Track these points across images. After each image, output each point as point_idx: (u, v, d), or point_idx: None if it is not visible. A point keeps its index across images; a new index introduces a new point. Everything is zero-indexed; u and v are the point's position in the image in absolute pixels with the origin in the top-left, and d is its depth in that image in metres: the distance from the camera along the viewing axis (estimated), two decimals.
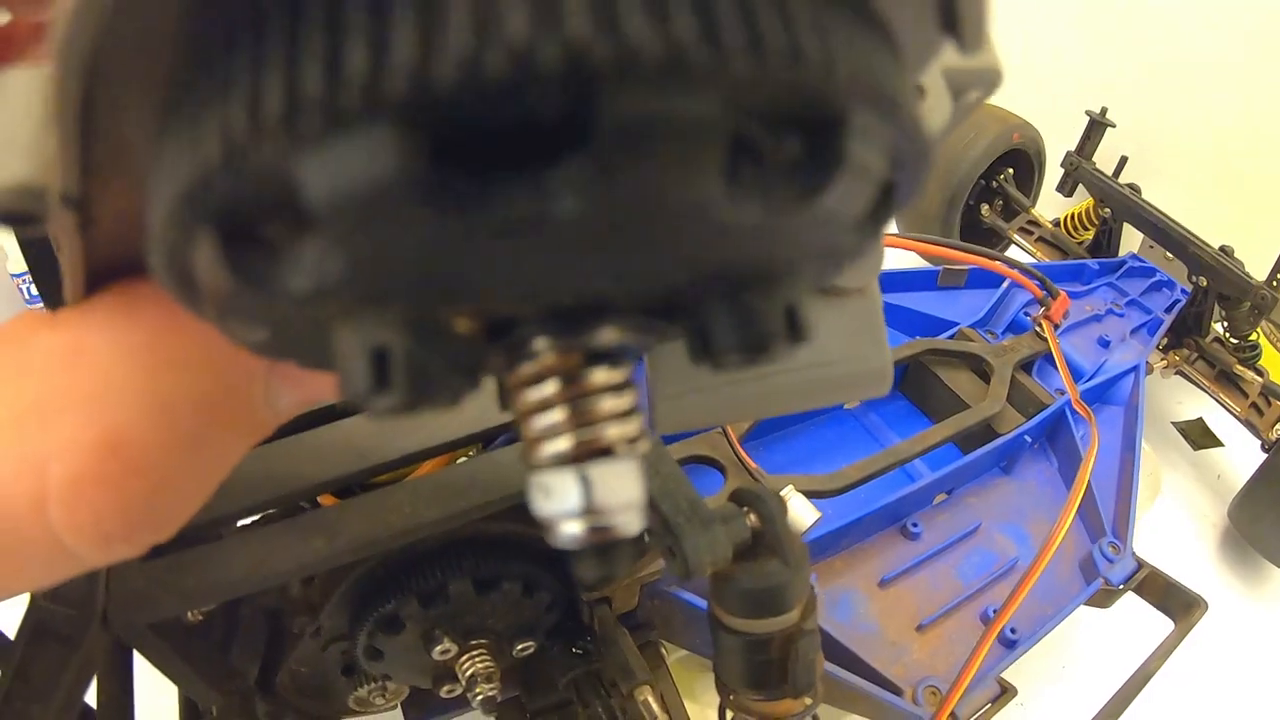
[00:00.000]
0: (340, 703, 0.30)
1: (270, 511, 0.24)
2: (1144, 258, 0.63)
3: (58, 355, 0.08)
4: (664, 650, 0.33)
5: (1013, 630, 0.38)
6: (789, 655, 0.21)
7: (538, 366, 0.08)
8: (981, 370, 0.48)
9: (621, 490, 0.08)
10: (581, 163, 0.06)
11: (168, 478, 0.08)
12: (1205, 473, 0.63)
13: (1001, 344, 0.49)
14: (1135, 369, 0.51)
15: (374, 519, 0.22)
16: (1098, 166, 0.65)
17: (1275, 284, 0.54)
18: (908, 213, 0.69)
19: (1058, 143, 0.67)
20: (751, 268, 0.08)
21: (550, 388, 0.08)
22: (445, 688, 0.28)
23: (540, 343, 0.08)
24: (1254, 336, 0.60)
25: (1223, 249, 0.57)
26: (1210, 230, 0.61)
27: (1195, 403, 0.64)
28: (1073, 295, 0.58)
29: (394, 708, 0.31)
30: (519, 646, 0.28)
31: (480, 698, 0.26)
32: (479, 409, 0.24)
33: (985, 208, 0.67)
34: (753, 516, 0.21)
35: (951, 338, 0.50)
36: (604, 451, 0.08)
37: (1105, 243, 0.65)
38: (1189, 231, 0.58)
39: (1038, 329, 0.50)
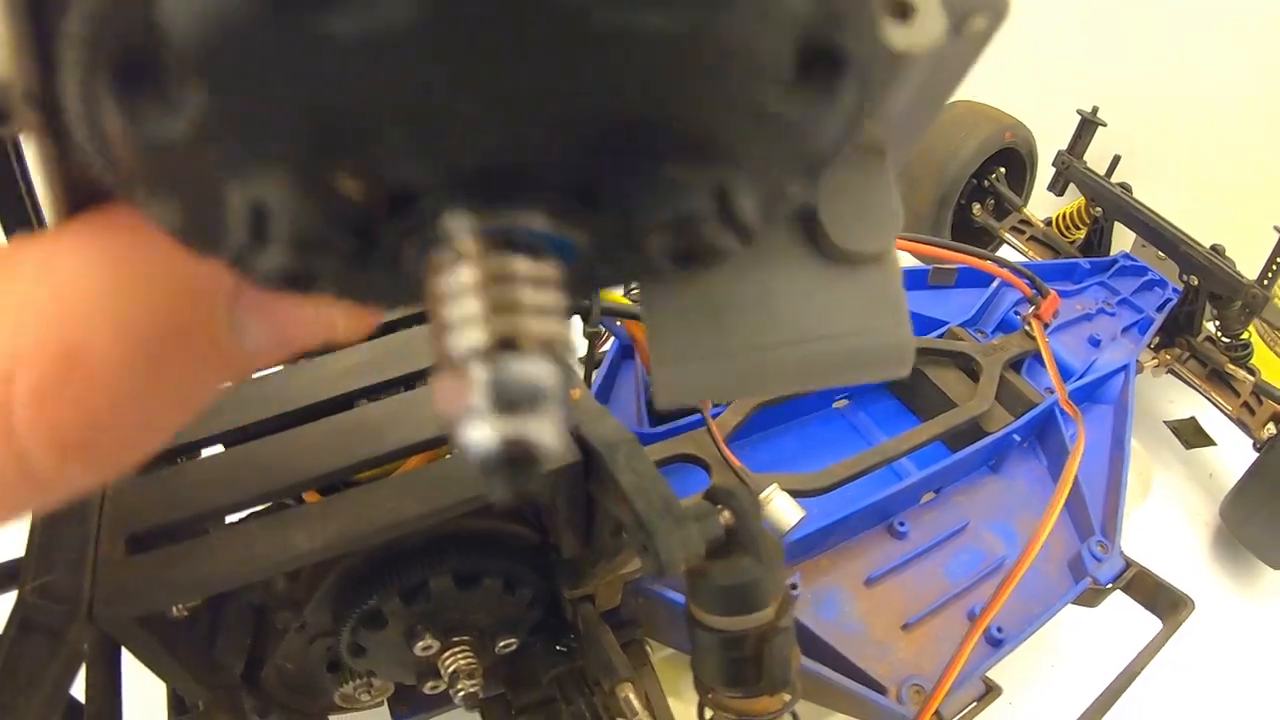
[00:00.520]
0: (326, 699, 0.30)
1: (256, 508, 0.24)
2: (1136, 256, 0.63)
3: (29, 269, 0.08)
4: (649, 648, 0.33)
5: (999, 629, 0.39)
6: (764, 652, 0.22)
7: (450, 251, 0.07)
8: (970, 369, 0.48)
9: (535, 393, 0.07)
10: None
11: (128, 396, 0.08)
12: (1197, 471, 0.63)
13: (991, 343, 0.50)
14: (1125, 368, 0.52)
15: (355, 515, 0.22)
16: (1089, 166, 0.65)
17: (1266, 283, 0.55)
18: None
19: (1050, 142, 0.68)
20: (657, 120, 0.07)
21: (463, 275, 0.07)
22: (429, 684, 0.28)
23: (450, 222, 0.07)
24: (1246, 335, 0.60)
25: (1214, 248, 0.57)
26: (1202, 229, 0.62)
27: (1188, 402, 0.64)
28: (1064, 294, 0.58)
29: (380, 704, 0.32)
30: (501, 643, 0.28)
31: (462, 694, 0.27)
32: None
33: (977, 207, 0.68)
34: (726, 514, 0.21)
35: (941, 336, 0.50)
36: (517, 346, 0.07)
37: (1097, 242, 0.65)
38: (1180, 231, 0.58)
39: (1027, 328, 0.50)
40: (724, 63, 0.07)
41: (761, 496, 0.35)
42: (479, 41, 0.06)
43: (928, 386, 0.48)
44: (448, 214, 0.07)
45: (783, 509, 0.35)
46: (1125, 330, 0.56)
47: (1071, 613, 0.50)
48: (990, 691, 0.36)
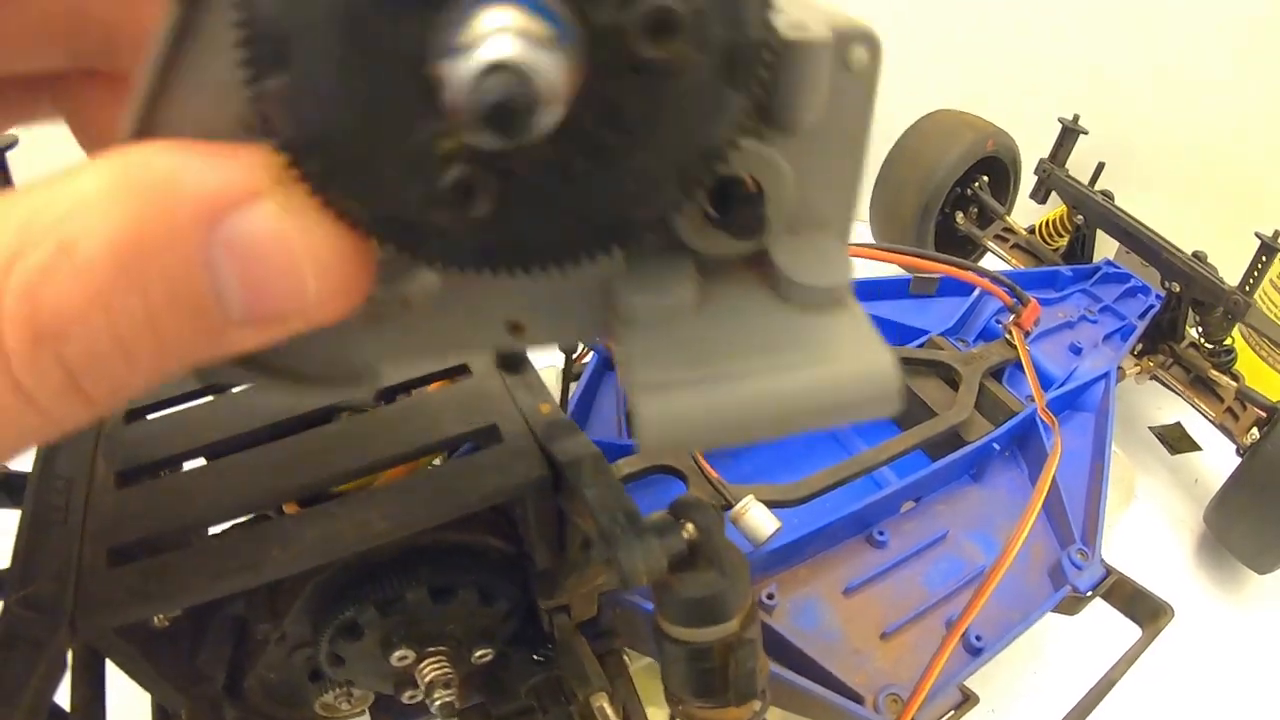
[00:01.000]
0: (309, 708, 0.31)
1: (237, 520, 0.25)
2: (1119, 264, 0.64)
3: (49, 181, 0.10)
4: (627, 658, 0.34)
5: (978, 637, 0.39)
6: (729, 663, 0.23)
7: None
8: (950, 378, 0.49)
9: (534, 36, 0.08)
10: None
11: (108, 298, 0.09)
12: (1183, 477, 0.63)
13: (971, 352, 0.50)
14: (1106, 376, 0.52)
15: (332, 529, 0.23)
16: (1071, 173, 0.66)
17: (1248, 289, 0.56)
18: (882, 219, 0.71)
19: (1033, 150, 0.69)
20: None
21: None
22: (407, 693, 0.29)
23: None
24: (1229, 341, 0.61)
25: (1195, 254, 0.58)
26: (1187, 235, 0.63)
27: (1174, 408, 0.65)
28: (1046, 302, 0.59)
29: (361, 714, 0.32)
30: (478, 653, 0.29)
31: (439, 703, 0.27)
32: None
33: (960, 215, 0.68)
34: (690, 527, 0.22)
35: (921, 346, 0.51)
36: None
37: (1079, 249, 0.66)
38: (1161, 237, 0.59)
39: (1008, 336, 0.51)
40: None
41: (737, 508, 0.36)
42: None
43: (908, 396, 0.48)
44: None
45: (759, 520, 0.36)
46: (1107, 338, 0.57)
47: (1053, 620, 0.50)
48: (967, 700, 0.36)
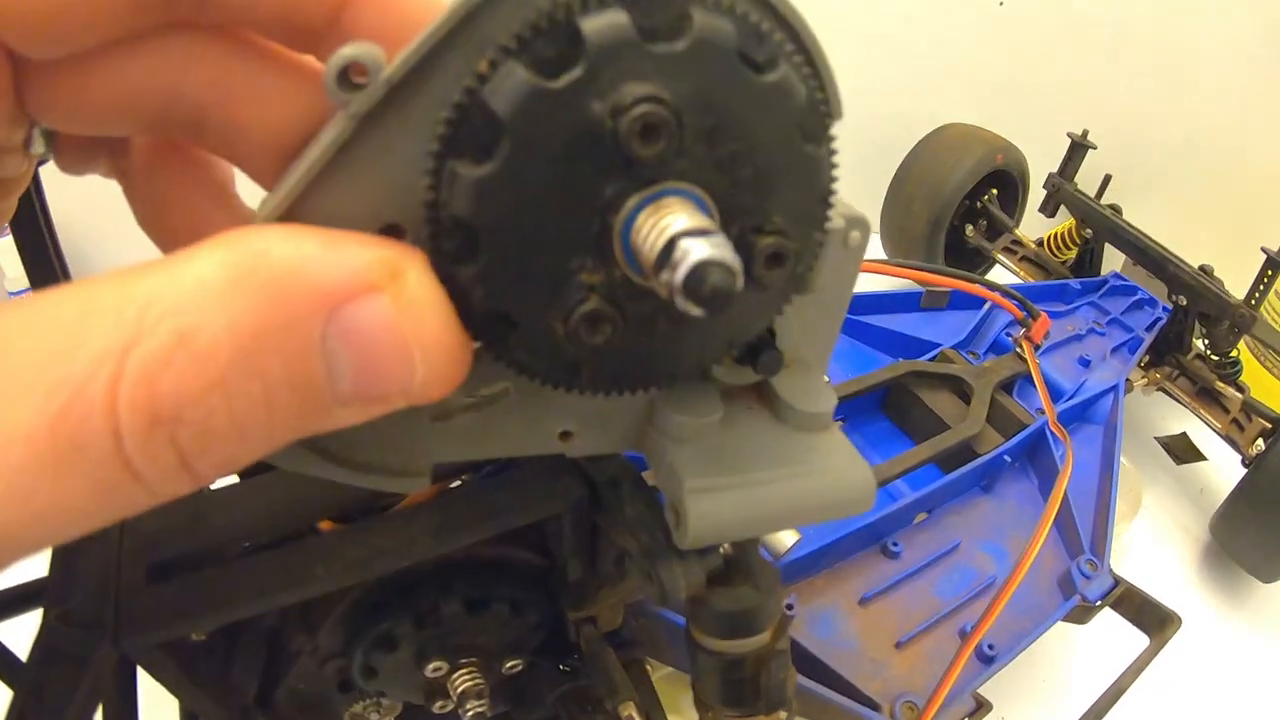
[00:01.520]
0: (336, 719, 0.32)
1: (272, 537, 0.26)
2: (1126, 276, 0.65)
3: (164, 266, 0.10)
4: (649, 667, 0.35)
5: (990, 646, 0.40)
6: (761, 674, 0.23)
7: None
8: (962, 391, 0.50)
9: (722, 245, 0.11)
10: None
11: (223, 385, 0.10)
12: (1189, 487, 0.65)
13: (982, 365, 0.52)
14: (1114, 388, 0.54)
15: (370, 546, 0.24)
16: (1079, 187, 0.68)
17: (1253, 302, 0.57)
18: (894, 232, 0.72)
19: (1043, 164, 0.70)
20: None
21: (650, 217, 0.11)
22: (438, 704, 0.30)
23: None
24: (1235, 353, 0.62)
25: (1202, 268, 0.59)
26: (1195, 249, 0.64)
27: (1180, 418, 0.66)
28: (1055, 315, 0.61)
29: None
30: (508, 664, 0.30)
31: (471, 714, 0.28)
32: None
33: (970, 228, 0.70)
34: (726, 545, 0.23)
35: (934, 359, 0.52)
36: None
37: (1088, 262, 0.67)
38: (1168, 251, 0.60)
39: (1018, 350, 0.52)
40: None
41: None
42: None
43: (920, 409, 0.50)
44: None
45: (779, 533, 0.37)
46: (1115, 350, 0.59)
47: (1064, 629, 0.51)
48: (981, 708, 0.37)
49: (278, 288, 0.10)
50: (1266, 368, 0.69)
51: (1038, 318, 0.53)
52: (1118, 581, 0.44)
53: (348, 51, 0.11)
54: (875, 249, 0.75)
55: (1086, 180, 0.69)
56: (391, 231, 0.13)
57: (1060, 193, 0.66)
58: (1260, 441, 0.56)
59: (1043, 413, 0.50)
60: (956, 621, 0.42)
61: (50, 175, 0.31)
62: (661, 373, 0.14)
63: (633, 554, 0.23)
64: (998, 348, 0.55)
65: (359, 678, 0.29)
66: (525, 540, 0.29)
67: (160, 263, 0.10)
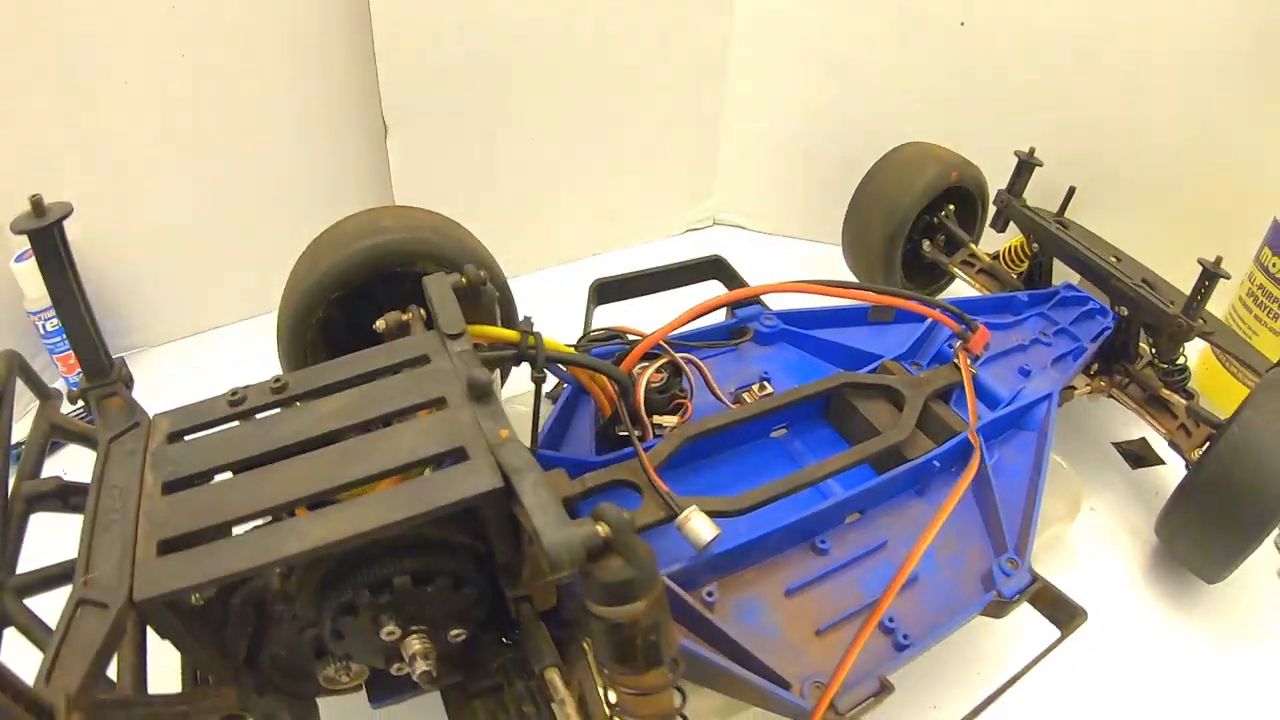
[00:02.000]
0: (314, 682, 0.39)
1: (259, 521, 0.33)
2: (1080, 288, 0.70)
3: None
4: (586, 646, 0.41)
5: (905, 636, 0.45)
6: (636, 636, 0.30)
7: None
8: (897, 401, 0.55)
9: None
10: None
11: None
12: (1143, 491, 0.69)
13: (918, 376, 0.57)
14: (1048, 397, 0.58)
15: (331, 525, 0.31)
16: (1042, 202, 0.72)
17: (1191, 313, 0.61)
18: (854, 248, 0.77)
19: (1003, 182, 0.75)
20: None
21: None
22: (395, 666, 0.37)
23: None
24: (1182, 360, 0.66)
25: (1144, 280, 0.64)
26: (1160, 258, 0.68)
27: (1141, 424, 0.70)
28: (1002, 326, 0.65)
29: (358, 687, 0.40)
30: (453, 632, 0.37)
31: (420, 671, 0.35)
32: (422, 443, 0.33)
33: (927, 243, 0.75)
34: (603, 526, 0.29)
35: (874, 370, 0.58)
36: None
37: (1038, 275, 0.72)
38: (1110, 264, 0.65)
39: (956, 361, 0.58)
40: None
41: (680, 516, 0.43)
42: None
43: (856, 417, 0.55)
44: None
45: (699, 527, 0.43)
46: (1057, 360, 0.63)
47: (1001, 628, 0.56)
48: (884, 689, 0.43)
49: None
50: (1232, 373, 0.72)
51: (976, 330, 0.58)
52: (1035, 578, 0.49)
53: None
54: (838, 264, 0.81)
55: (1052, 194, 0.73)
56: None
57: (1008, 208, 0.71)
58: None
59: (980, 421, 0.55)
60: (879, 614, 0.47)
61: (57, 199, 0.38)
62: None
63: (530, 534, 0.29)
64: (941, 359, 0.60)
65: (329, 641, 0.36)
66: (464, 528, 0.36)
67: None
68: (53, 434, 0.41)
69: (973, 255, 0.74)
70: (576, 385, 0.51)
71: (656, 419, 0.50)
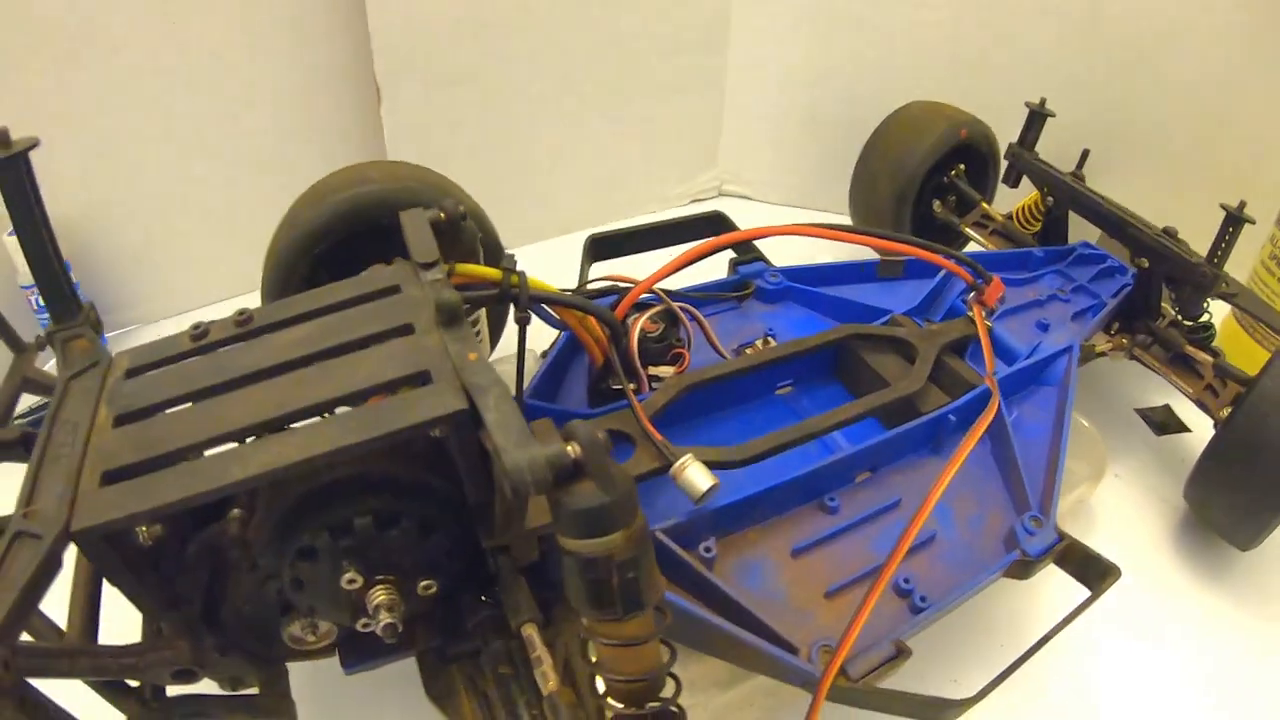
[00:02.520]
0: (282, 645, 0.35)
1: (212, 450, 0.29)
2: (1097, 246, 0.65)
3: None
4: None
5: (922, 598, 0.41)
6: (614, 574, 0.25)
7: None
8: (908, 354, 0.51)
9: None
10: None
11: None
12: (1168, 459, 0.63)
13: (929, 328, 0.52)
14: (1068, 349, 0.53)
15: (279, 450, 0.27)
16: (1051, 162, 0.68)
17: (1216, 261, 0.56)
18: (861, 209, 0.73)
19: (1014, 139, 0.70)
20: None
21: None
22: (361, 622, 0.33)
23: None
24: (1206, 318, 0.61)
25: (1166, 230, 0.59)
26: (1169, 217, 0.63)
27: (1164, 390, 0.65)
28: (1018, 282, 0.61)
29: (327, 646, 0.36)
30: (422, 584, 0.33)
31: (384, 623, 0.31)
32: (383, 368, 0.30)
33: (937, 203, 0.70)
34: (574, 445, 0.25)
35: (884, 324, 0.53)
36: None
37: (1054, 232, 0.67)
38: (1129, 214, 0.60)
39: (970, 313, 0.53)
40: None
41: (676, 465, 0.39)
42: None
43: (866, 370, 0.51)
44: None
45: (695, 476, 0.38)
46: (1076, 315, 0.58)
47: (1027, 599, 0.51)
48: (900, 654, 0.38)
49: None
50: (1255, 339, 0.67)
51: (990, 281, 0.53)
52: (1062, 537, 0.44)
53: None
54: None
55: (1063, 157, 0.68)
56: None
57: (1020, 162, 0.66)
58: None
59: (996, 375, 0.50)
60: (893, 575, 0.42)
61: (47, 174, 0.35)
62: None
63: (492, 454, 0.25)
64: (953, 313, 0.56)
65: (290, 591, 0.32)
66: (434, 467, 0.32)
67: None
68: (24, 387, 0.38)
69: (986, 215, 0.69)
70: (567, 334, 0.47)
71: (652, 370, 0.46)
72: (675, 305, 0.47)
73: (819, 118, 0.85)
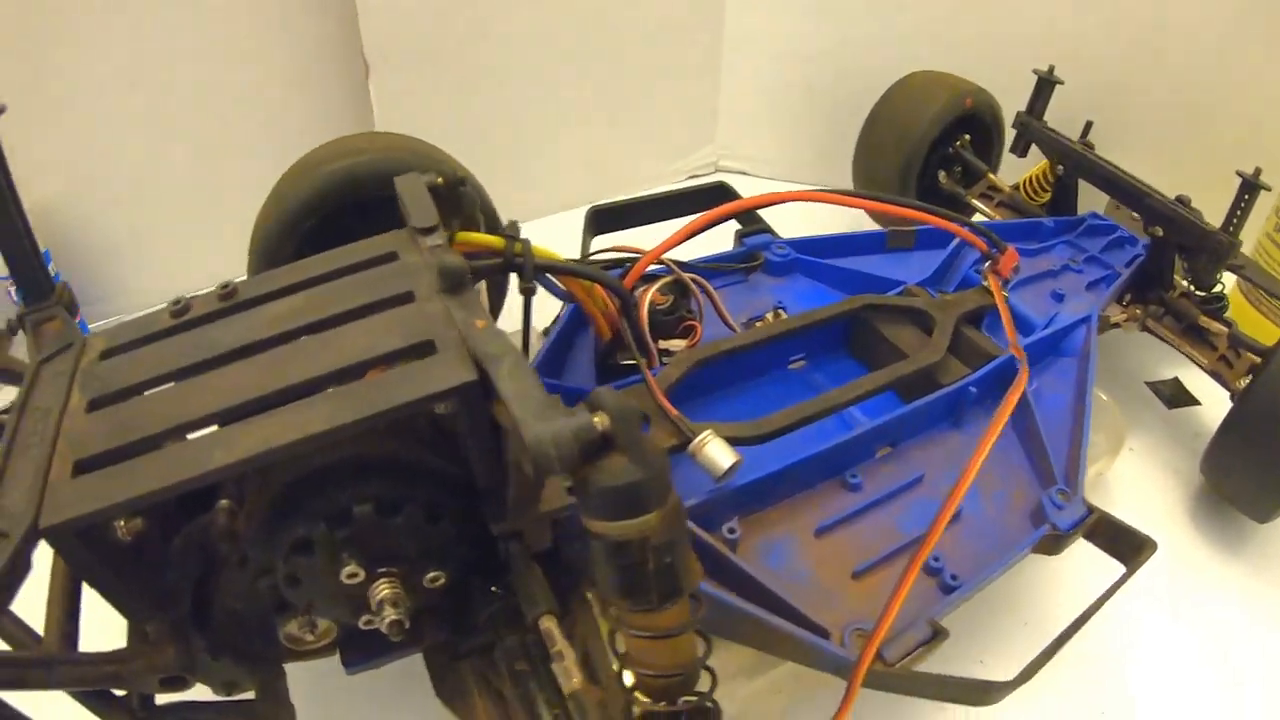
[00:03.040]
0: (276, 644, 0.32)
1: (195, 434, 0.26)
2: (1107, 216, 0.62)
3: None
4: (590, 598, 0.34)
5: (953, 576, 0.38)
6: (649, 557, 0.22)
7: None
8: (925, 324, 0.48)
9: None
10: None
11: None
12: (1180, 432, 0.62)
13: (945, 298, 0.50)
14: (1087, 319, 0.51)
15: (268, 430, 0.24)
16: (1049, 125, 0.65)
17: (1232, 229, 0.54)
18: (865, 180, 0.70)
19: (1019, 109, 0.67)
20: None
21: None
22: (363, 619, 0.30)
23: None
24: (1219, 288, 0.59)
25: (1179, 199, 0.56)
26: (1176, 187, 0.61)
27: (1172, 364, 0.63)
28: (1029, 253, 0.58)
29: (328, 647, 0.33)
30: (429, 575, 0.29)
31: (389, 621, 0.28)
32: (382, 339, 0.26)
33: (943, 174, 0.68)
34: (601, 416, 0.22)
35: (898, 295, 0.50)
36: None
37: (1064, 202, 0.65)
38: (1143, 183, 0.58)
39: (985, 283, 0.50)
40: None
41: (695, 442, 0.36)
42: None
43: (882, 343, 0.48)
44: None
45: (716, 453, 0.35)
46: (1090, 285, 0.56)
47: (1051, 577, 0.49)
48: (937, 635, 0.35)
49: None
50: (1261, 311, 0.65)
51: (1005, 251, 0.51)
52: (1091, 510, 0.42)
53: None
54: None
55: (1068, 127, 0.66)
56: None
57: (1029, 130, 0.64)
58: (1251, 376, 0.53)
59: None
60: (916, 553, 0.39)
61: (20, 160, 0.31)
62: None
63: (510, 430, 0.22)
64: (966, 284, 0.53)
65: (285, 588, 0.28)
66: (437, 448, 0.28)
67: None
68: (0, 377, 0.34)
69: (992, 186, 0.67)
70: (573, 307, 0.44)
71: (663, 344, 0.43)
72: (685, 276, 0.44)
73: (816, 91, 0.82)
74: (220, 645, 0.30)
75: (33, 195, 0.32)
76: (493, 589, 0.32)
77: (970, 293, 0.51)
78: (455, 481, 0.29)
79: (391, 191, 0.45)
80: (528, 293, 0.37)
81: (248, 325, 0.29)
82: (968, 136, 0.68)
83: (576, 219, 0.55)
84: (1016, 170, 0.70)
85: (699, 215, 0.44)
